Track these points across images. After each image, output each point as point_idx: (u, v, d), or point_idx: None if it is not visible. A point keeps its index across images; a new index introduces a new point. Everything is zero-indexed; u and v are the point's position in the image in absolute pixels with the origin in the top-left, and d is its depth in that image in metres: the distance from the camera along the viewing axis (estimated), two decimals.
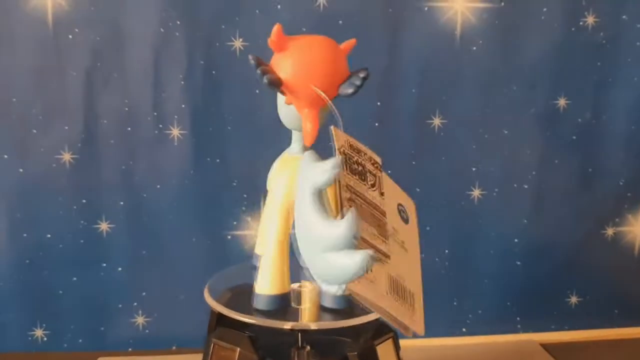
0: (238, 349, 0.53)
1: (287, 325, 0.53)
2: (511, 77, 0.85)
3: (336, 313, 0.54)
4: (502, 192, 0.88)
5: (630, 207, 0.90)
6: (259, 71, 0.51)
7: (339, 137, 0.48)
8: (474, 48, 0.84)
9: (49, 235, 0.83)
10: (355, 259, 0.43)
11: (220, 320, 0.56)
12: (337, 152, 0.48)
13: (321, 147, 0.51)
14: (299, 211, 0.46)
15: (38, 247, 0.83)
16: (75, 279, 0.84)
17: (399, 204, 0.52)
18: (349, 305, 0.54)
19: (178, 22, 0.80)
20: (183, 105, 0.82)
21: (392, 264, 0.48)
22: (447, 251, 0.89)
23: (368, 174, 0.50)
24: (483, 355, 0.87)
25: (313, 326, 0.52)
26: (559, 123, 0.87)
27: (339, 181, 0.46)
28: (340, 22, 0.81)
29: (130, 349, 0.86)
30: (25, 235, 0.82)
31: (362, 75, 0.50)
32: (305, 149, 0.53)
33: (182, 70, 0.81)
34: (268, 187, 0.55)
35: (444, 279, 0.89)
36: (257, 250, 0.55)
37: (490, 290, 0.90)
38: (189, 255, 0.85)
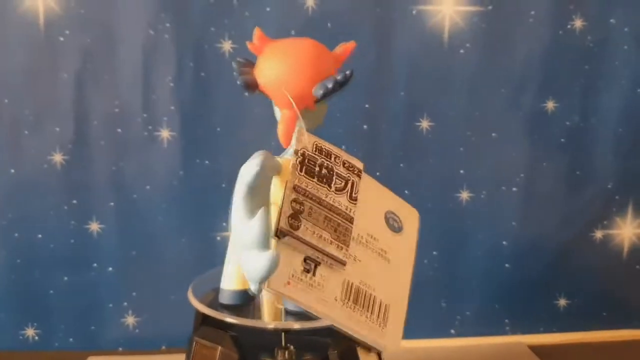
0: (219, 348, 0.54)
1: (271, 325, 0.53)
2: (499, 80, 0.86)
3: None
4: (491, 195, 0.88)
5: (619, 210, 0.91)
6: (235, 73, 0.52)
7: (301, 139, 0.49)
8: (462, 51, 0.85)
9: (40, 236, 0.83)
10: (261, 259, 0.44)
11: (205, 320, 0.56)
12: (293, 153, 0.48)
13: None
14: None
15: (29, 247, 0.83)
16: (66, 278, 0.85)
17: (389, 212, 0.52)
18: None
19: (168, 25, 0.81)
20: (172, 107, 0.83)
21: (353, 270, 0.48)
22: (435, 253, 0.89)
23: (335, 178, 0.49)
24: (471, 357, 0.87)
25: (296, 326, 0.53)
26: (547, 126, 0.87)
27: (287, 182, 0.47)
28: (329, 24, 0.82)
29: (120, 349, 0.87)
30: (16, 235, 0.83)
31: (338, 77, 0.50)
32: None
33: (172, 72, 0.82)
34: None
35: (433, 280, 0.89)
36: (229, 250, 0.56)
37: (478, 292, 0.90)
38: (178, 255, 0.85)
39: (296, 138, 0.49)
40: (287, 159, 0.51)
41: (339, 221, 0.48)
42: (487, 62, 0.85)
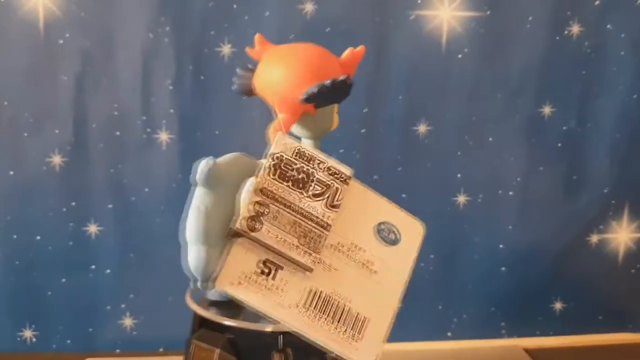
0: (217, 350, 0.54)
1: (269, 328, 0.53)
2: (496, 84, 0.86)
3: None
4: (487, 199, 0.89)
5: (615, 215, 0.91)
6: (234, 78, 0.53)
7: (279, 144, 0.49)
8: (460, 56, 0.85)
9: (38, 237, 0.84)
10: (191, 255, 0.46)
11: (203, 322, 0.56)
12: (268, 156, 0.49)
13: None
14: None
15: (28, 248, 0.84)
16: (64, 280, 0.85)
17: (384, 223, 0.51)
18: None
19: (167, 28, 0.81)
20: (171, 110, 0.83)
21: (325, 279, 0.48)
22: (432, 256, 0.89)
23: (313, 184, 0.49)
24: (467, 359, 0.88)
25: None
26: (544, 131, 0.88)
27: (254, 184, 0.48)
28: (328, 29, 0.83)
29: (117, 350, 0.87)
30: (15, 236, 0.83)
31: (326, 82, 0.50)
32: None
33: (171, 75, 0.82)
34: None
35: (429, 284, 0.90)
36: None
37: (475, 296, 0.91)
38: (176, 258, 0.85)
39: (275, 142, 0.49)
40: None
41: (311, 227, 0.48)
42: (484, 67, 0.86)
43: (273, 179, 0.48)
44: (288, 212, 0.48)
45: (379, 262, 0.50)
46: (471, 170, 0.88)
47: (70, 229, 0.84)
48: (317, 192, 0.49)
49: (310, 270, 0.48)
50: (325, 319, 0.47)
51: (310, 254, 0.48)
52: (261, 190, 0.48)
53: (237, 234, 0.47)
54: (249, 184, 0.48)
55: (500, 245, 0.90)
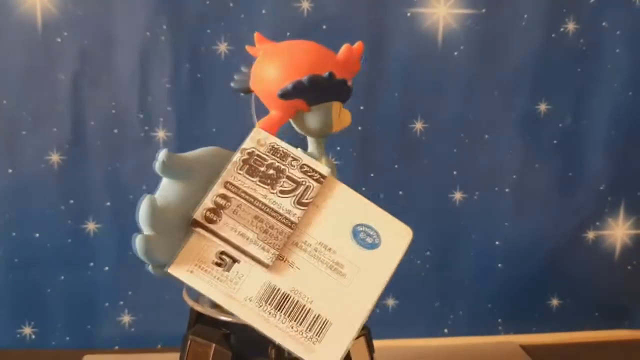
0: (213, 345, 0.54)
1: None
2: (492, 82, 0.87)
3: None
4: (484, 196, 0.89)
5: (611, 211, 0.92)
6: (235, 76, 0.53)
7: (252, 139, 0.50)
8: (456, 53, 0.85)
9: (37, 235, 0.84)
10: (134, 240, 0.47)
11: (199, 318, 0.57)
12: (239, 150, 0.49)
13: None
14: None
15: (26, 246, 0.84)
16: (62, 277, 0.85)
17: (363, 226, 0.49)
18: None
19: (164, 27, 0.81)
20: (169, 108, 0.83)
21: (286, 276, 0.47)
22: (428, 253, 0.90)
23: (282, 180, 0.49)
24: (464, 356, 0.88)
25: None
26: (540, 128, 0.88)
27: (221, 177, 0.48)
28: (324, 27, 0.83)
29: (116, 347, 0.87)
30: (13, 234, 0.84)
31: (303, 78, 0.50)
32: (318, 154, 0.54)
33: (168, 73, 0.83)
34: None
35: (426, 280, 0.90)
36: None
37: (471, 292, 0.91)
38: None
39: (249, 137, 0.50)
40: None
41: (274, 223, 0.48)
42: (480, 64, 0.86)
43: (239, 173, 0.49)
44: (251, 207, 0.48)
45: (350, 265, 0.48)
46: (467, 168, 0.88)
47: (68, 226, 0.84)
48: (286, 189, 0.49)
49: (266, 265, 0.47)
50: (282, 317, 0.47)
51: (269, 250, 0.48)
52: (226, 184, 0.48)
53: (196, 224, 0.48)
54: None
55: (497, 242, 0.90)
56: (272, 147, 0.50)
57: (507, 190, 0.89)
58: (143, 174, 0.84)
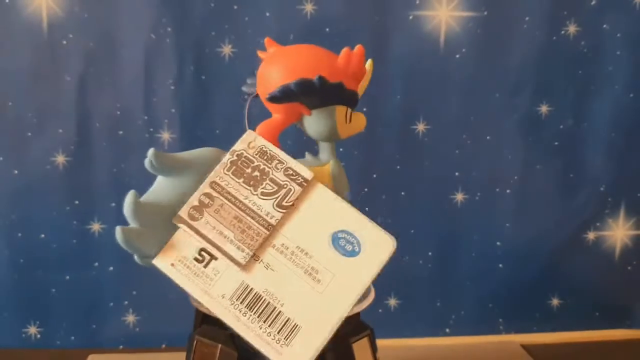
0: (219, 346, 0.54)
1: None
2: (494, 84, 0.87)
3: None
4: (485, 197, 0.90)
5: (611, 212, 0.92)
6: (248, 79, 0.54)
7: (243, 141, 0.51)
8: (458, 56, 0.86)
9: (42, 236, 0.85)
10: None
11: (205, 318, 0.57)
12: (229, 152, 0.51)
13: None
14: None
15: (32, 246, 0.84)
16: (67, 277, 0.86)
17: (344, 232, 0.49)
18: None
19: (169, 29, 0.82)
20: (173, 110, 0.84)
21: (260, 277, 0.48)
22: (430, 253, 0.91)
23: (266, 182, 0.50)
24: (465, 355, 0.88)
25: None
26: (541, 129, 0.89)
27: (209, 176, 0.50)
28: (327, 29, 0.83)
29: (121, 347, 0.88)
30: (19, 235, 0.84)
31: (290, 83, 0.50)
32: (327, 158, 0.55)
33: (173, 75, 0.83)
34: None
35: (428, 280, 0.91)
36: None
37: (472, 292, 0.92)
38: None
39: (241, 139, 0.51)
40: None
41: (252, 224, 0.49)
42: (482, 66, 0.86)
43: (226, 174, 0.50)
44: (232, 207, 0.49)
45: (326, 271, 0.48)
46: (469, 169, 0.89)
47: (73, 227, 0.85)
48: (267, 191, 0.49)
49: (240, 265, 0.48)
50: (253, 317, 0.47)
51: (244, 250, 0.48)
52: (212, 183, 0.50)
53: (180, 220, 0.49)
54: None
55: (498, 243, 0.91)
56: (261, 149, 0.51)
57: (508, 191, 0.90)
58: (148, 175, 0.84)
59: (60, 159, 0.83)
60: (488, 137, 0.88)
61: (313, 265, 0.48)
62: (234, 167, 0.50)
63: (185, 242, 0.49)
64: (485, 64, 0.86)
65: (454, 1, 0.85)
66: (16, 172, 0.83)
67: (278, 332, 0.47)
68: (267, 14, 0.83)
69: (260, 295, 0.48)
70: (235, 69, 0.83)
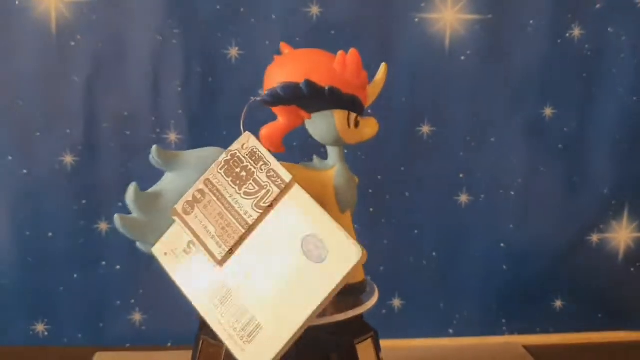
0: (226, 345, 0.55)
1: None
2: (499, 86, 0.88)
3: None
4: (489, 198, 0.90)
5: (615, 215, 0.92)
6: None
7: (239, 142, 0.52)
8: (463, 58, 0.86)
9: (50, 234, 0.86)
10: None
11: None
12: (226, 152, 0.52)
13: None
14: None
15: (40, 245, 0.85)
16: (75, 276, 0.87)
17: (313, 237, 0.48)
18: None
19: (176, 31, 0.83)
20: (180, 111, 0.85)
21: (233, 274, 0.49)
22: (434, 254, 0.91)
23: (250, 183, 0.50)
24: (468, 356, 0.89)
25: None
26: (545, 132, 0.89)
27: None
28: (333, 32, 0.84)
29: (127, 345, 0.89)
30: (28, 233, 0.85)
31: (277, 86, 0.51)
32: (333, 163, 0.56)
33: (180, 76, 0.84)
34: None
35: (431, 281, 0.91)
36: None
37: (476, 293, 0.92)
38: None
39: (238, 140, 0.53)
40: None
41: (231, 222, 0.50)
42: (487, 69, 0.87)
43: (219, 172, 0.51)
44: (218, 204, 0.50)
45: (292, 275, 0.48)
46: (473, 171, 0.89)
47: (81, 226, 0.86)
48: (250, 191, 0.50)
49: (217, 260, 0.50)
50: (224, 311, 0.48)
51: (221, 246, 0.49)
52: (206, 181, 0.51)
53: (175, 213, 0.52)
54: None
55: (502, 244, 0.91)
56: (251, 150, 0.52)
57: (512, 193, 0.90)
58: (154, 175, 0.84)
59: (68, 158, 0.84)
60: (492, 139, 0.89)
61: (281, 268, 0.48)
62: (227, 166, 0.51)
63: (179, 234, 0.51)
64: (490, 66, 0.87)
65: (459, 4, 0.85)
66: (25, 171, 0.84)
67: (242, 329, 0.47)
68: (274, 17, 0.84)
69: (231, 291, 0.49)
70: (241, 71, 0.84)
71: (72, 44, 0.82)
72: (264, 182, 0.51)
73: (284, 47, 0.56)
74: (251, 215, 0.50)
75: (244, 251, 0.49)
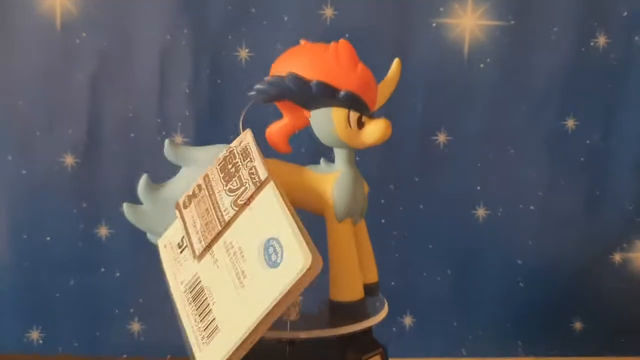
0: None
1: (275, 335, 0.52)
2: (519, 96, 0.85)
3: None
4: (507, 212, 0.87)
5: (639, 233, 0.89)
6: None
7: (238, 139, 0.52)
8: (482, 65, 0.84)
9: (48, 238, 0.83)
10: None
11: None
12: (226, 148, 0.52)
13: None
14: None
15: (37, 249, 0.83)
16: (72, 282, 0.84)
17: (275, 241, 0.45)
18: None
19: (185, 31, 0.81)
20: (187, 113, 0.82)
21: (209, 271, 0.48)
22: (448, 270, 0.88)
23: (235, 179, 0.49)
24: None
25: (302, 335, 0.52)
26: (567, 144, 0.86)
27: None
28: (347, 35, 0.81)
29: (124, 355, 0.86)
30: (25, 236, 0.83)
31: (263, 80, 0.50)
32: (347, 167, 0.53)
33: (188, 78, 0.82)
34: None
35: (445, 298, 0.88)
36: None
37: (491, 312, 0.89)
38: None
39: (238, 137, 0.52)
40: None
41: (213, 218, 0.49)
42: (507, 77, 0.84)
43: (216, 168, 0.51)
44: (208, 200, 0.50)
45: (250, 278, 0.45)
46: (491, 183, 0.86)
47: (80, 230, 0.83)
48: (233, 188, 0.49)
49: (196, 257, 0.49)
50: (194, 308, 0.47)
51: (201, 242, 0.49)
52: (205, 176, 0.52)
53: (177, 206, 0.52)
54: None
55: (519, 261, 0.88)
56: (245, 147, 0.51)
57: (531, 207, 0.87)
58: (158, 178, 0.82)
59: (69, 160, 0.82)
60: (512, 151, 0.86)
61: (244, 269, 0.46)
62: (223, 162, 0.51)
63: (178, 227, 0.52)
64: (511, 74, 0.84)
65: (480, 9, 0.83)
66: (24, 172, 0.82)
67: (204, 329, 0.46)
68: (285, 18, 0.81)
69: (203, 290, 0.48)
70: (251, 73, 0.81)
71: (77, 41, 0.80)
72: (245, 179, 0.49)
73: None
74: (228, 213, 0.48)
75: (220, 248, 0.48)
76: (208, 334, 0.46)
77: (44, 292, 0.84)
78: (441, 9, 0.82)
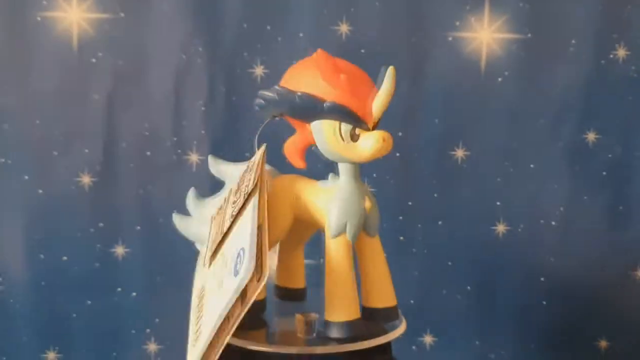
0: None
1: (293, 350, 0.50)
2: (538, 109, 0.83)
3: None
4: (528, 228, 0.85)
5: None
6: None
7: (258, 152, 0.53)
8: (500, 79, 0.82)
9: (65, 258, 0.83)
10: None
11: (227, 347, 0.54)
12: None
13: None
14: None
15: (54, 269, 0.83)
16: (89, 302, 0.84)
17: (243, 249, 0.44)
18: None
19: (200, 49, 0.80)
20: (203, 131, 0.82)
21: (209, 280, 0.48)
22: (469, 288, 0.86)
23: (238, 192, 0.50)
24: None
25: (318, 350, 0.50)
26: (588, 158, 0.84)
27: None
28: (363, 51, 0.81)
29: None
30: (41, 256, 0.82)
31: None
32: (347, 181, 0.51)
33: (203, 96, 0.81)
34: None
35: (466, 317, 0.86)
36: None
37: (513, 330, 0.87)
38: None
39: (256, 153, 0.53)
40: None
41: (219, 227, 0.50)
42: (525, 91, 0.83)
43: (236, 182, 0.53)
44: (224, 212, 0.52)
45: (225, 285, 0.45)
46: (511, 198, 0.85)
47: (97, 250, 0.83)
48: (234, 200, 0.50)
49: (204, 263, 0.50)
50: (197, 312, 0.48)
51: (210, 251, 0.50)
52: (231, 189, 0.53)
53: (212, 217, 0.54)
54: None
55: (541, 278, 0.86)
56: (253, 161, 0.52)
57: (553, 223, 0.85)
58: (174, 197, 0.82)
59: (86, 179, 0.82)
60: (532, 166, 0.84)
61: (222, 277, 0.46)
62: (241, 177, 0.52)
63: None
64: (529, 88, 0.83)
65: (496, 23, 0.82)
66: (40, 191, 0.82)
67: (195, 333, 0.47)
68: (301, 35, 0.81)
69: (204, 296, 0.48)
70: None
71: (93, 60, 0.80)
72: (243, 191, 0.50)
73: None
74: (227, 223, 0.49)
75: (217, 258, 0.49)
76: (196, 337, 0.46)
77: (60, 312, 0.83)
78: (457, 22, 0.82)
